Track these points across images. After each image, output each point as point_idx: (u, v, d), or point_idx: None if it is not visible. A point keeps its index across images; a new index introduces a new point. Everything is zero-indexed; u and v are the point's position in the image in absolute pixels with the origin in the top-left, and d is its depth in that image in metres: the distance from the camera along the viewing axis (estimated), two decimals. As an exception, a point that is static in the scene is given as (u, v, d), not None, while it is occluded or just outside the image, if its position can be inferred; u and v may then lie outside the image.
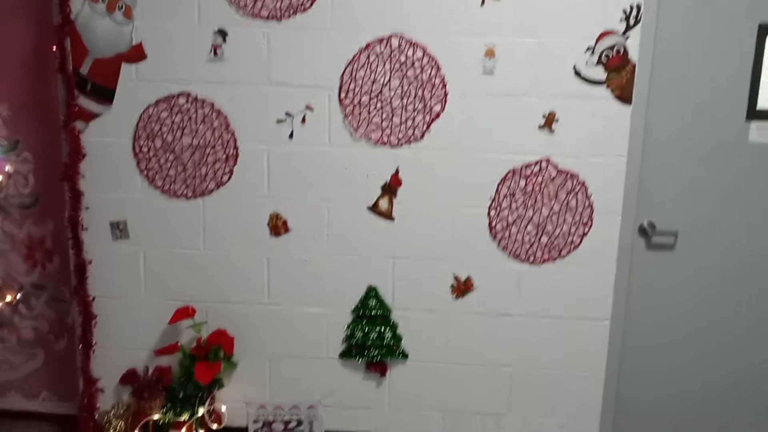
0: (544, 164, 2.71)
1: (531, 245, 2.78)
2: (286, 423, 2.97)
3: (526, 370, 2.88)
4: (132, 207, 2.83)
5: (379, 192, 2.77)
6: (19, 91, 2.90)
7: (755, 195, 2.80)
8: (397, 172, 2.74)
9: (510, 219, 2.76)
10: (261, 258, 2.84)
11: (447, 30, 2.65)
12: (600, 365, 2.85)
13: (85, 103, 2.76)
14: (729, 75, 2.73)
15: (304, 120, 2.73)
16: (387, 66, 2.69)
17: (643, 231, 2.83)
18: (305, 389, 2.94)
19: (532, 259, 2.78)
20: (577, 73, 2.65)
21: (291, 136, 2.74)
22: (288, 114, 2.73)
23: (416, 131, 2.72)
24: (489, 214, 2.75)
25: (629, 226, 2.77)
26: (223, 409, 2.92)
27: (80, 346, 2.88)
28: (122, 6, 2.71)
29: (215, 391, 2.89)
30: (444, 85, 2.69)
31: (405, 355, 2.88)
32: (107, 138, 2.77)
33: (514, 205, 2.74)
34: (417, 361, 2.89)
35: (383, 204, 2.79)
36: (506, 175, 2.72)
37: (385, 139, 2.73)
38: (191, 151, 2.78)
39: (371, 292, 2.84)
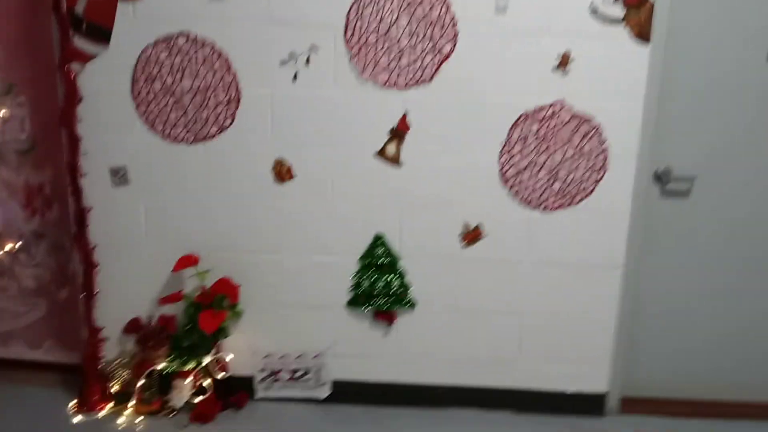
0: (557, 107, 2.63)
1: (543, 192, 2.72)
2: (293, 372, 2.96)
3: (537, 317, 2.86)
4: (132, 152, 2.76)
5: (386, 137, 2.69)
6: (12, 33, 2.82)
7: (776, 139, 2.75)
8: (404, 115, 2.67)
9: (521, 164, 2.70)
10: (265, 205, 2.78)
11: (458, -35, 2.57)
12: (612, 313, 2.83)
13: (81, 44, 2.67)
14: (750, 15, 2.64)
15: (308, 61, 2.64)
16: (395, 3, 2.58)
17: (658, 177, 2.77)
18: (312, 338, 2.93)
19: (543, 206, 2.73)
20: (594, 11, 2.55)
21: (295, 78, 2.65)
22: (292, 55, 2.65)
23: (425, 73, 2.63)
24: (500, 159, 2.69)
25: (644, 172, 2.71)
26: (229, 358, 2.92)
27: (82, 295, 2.87)
28: (117, -59, 2.62)
29: (220, 340, 2.89)
30: (454, 24, 2.59)
31: (413, 304, 2.86)
32: (104, 80, 2.69)
33: (526, 150, 2.68)
34: (425, 310, 2.87)
35: (390, 149, 2.72)
36: (518, 119, 2.65)
37: (393, 81, 2.64)
38: (192, 94, 2.70)
39: (378, 240, 2.79)
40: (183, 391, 2.80)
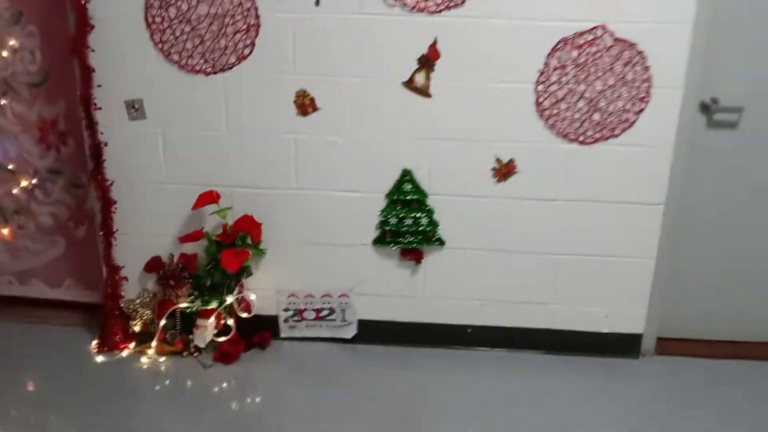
0: (599, 32, 2.46)
1: (581, 123, 2.57)
2: (318, 311, 2.91)
3: (572, 257, 2.76)
4: (148, 84, 2.65)
5: (415, 65, 2.54)
6: (18, -43, 2.70)
7: (834, 66, 2.57)
8: (435, 42, 2.51)
9: (559, 94, 2.54)
10: (288, 139, 2.67)
11: None
12: (651, 252, 2.72)
13: (90, -33, 2.55)
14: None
15: (332, -17, 2.51)
16: None
17: (704, 107, 2.61)
18: (337, 277, 2.85)
19: (582, 138, 2.59)
20: (642, -74, 2.38)
21: (317, 2, 2.51)
22: (314, -23, 2.51)
23: (457, -5, 2.49)
24: (536, 89, 2.54)
25: (690, 102, 2.55)
26: (252, 297, 2.87)
27: (101, 233, 2.81)
28: None
29: (243, 279, 2.83)
30: (489, -58, 2.43)
31: (442, 242, 2.76)
32: (116, 7, 2.55)
33: (564, 79, 2.52)
34: (454, 248, 2.78)
35: (419, 79, 2.58)
36: (557, 45, 2.48)
37: (423, 4, 2.48)
38: (209, 21, 2.56)
39: (406, 176, 2.68)
40: (206, 330, 2.76)
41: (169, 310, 2.79)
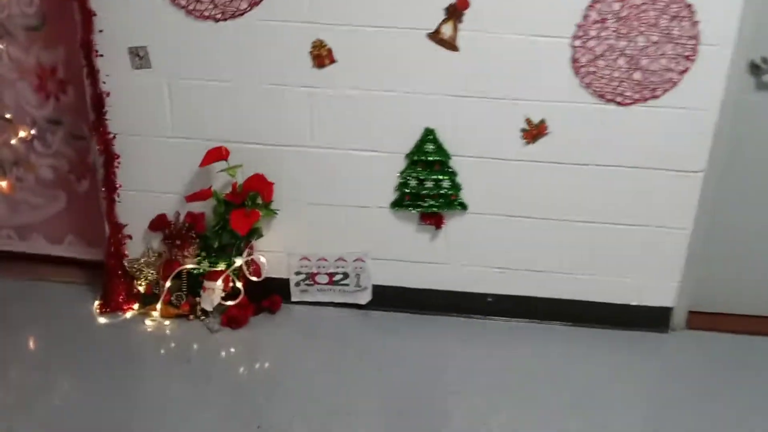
0: (645, -17, 2.29)
1: (620, 83, 2.39)
2: (331, 275, 2.78)
3: (602, 225, 2.61)
4: (153, 30, 2.47)
5: (441, 15, 2.36)
6: None
7: None
8: (464, -10, 2.36)
9: (598, 50, 2.36)
10: (303, 93, 2.50)
11: None
12: (686, 222, 2.57)
13: None
14: None
15: None
16: None
17: (754, 67, 2.43)
18: (352, 241, 2.72)
19: (620, 99, 2.41)
20: None
21: (337, -56, 2.33)
22: None
23: (490, -61, 2.29)
24: (573, 44, 2.35)
25: (739, 61, 2.37)
26: (263, 260, 2.75)
27: (103, 189, 2.67)
28: None
29: (253, 241, 2.71)
30: None
31: (464, 207, 2.62)
32: (119, -55, 2.39)
33: (604, 34, 2.33)
34: (477, 213, 2.63)
35: (446, 30, 2.39)
36: (597, -4, 2.33)
37: (452, -52, 2.31)
38: (218, -38, 2.40)
39: (429, 135, 2.52)
40: (213, 293, 2.64)
41: (175, 271, 2.68)
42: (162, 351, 2.57)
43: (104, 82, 2.53)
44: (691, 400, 2.42)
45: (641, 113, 2.43)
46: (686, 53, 2.33)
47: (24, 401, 2.28)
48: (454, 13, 2.35)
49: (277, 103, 2.53)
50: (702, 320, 2.79)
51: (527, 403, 2.36)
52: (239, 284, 2.69)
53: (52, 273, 2.97)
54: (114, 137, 2.61)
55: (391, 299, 2.80)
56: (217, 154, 2.55)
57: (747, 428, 2.31)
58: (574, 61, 2.37)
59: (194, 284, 2.70)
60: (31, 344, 2.59)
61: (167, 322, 2.69)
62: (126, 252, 2.76)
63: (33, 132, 2.82)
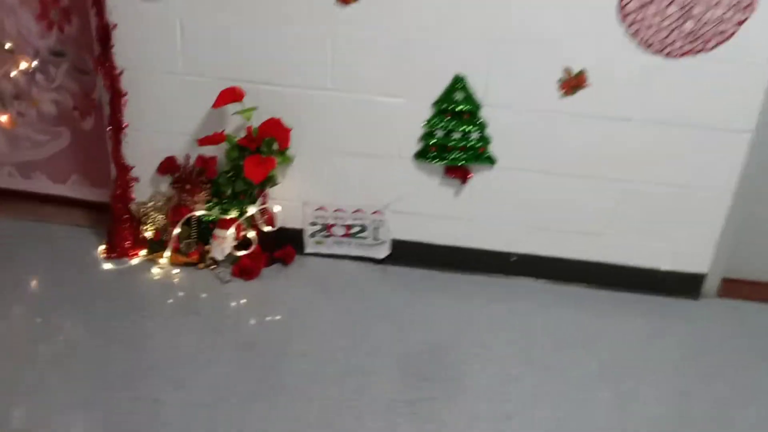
0: None
1: (670, 33, 2.22)
2: (348, 227, 2.67)
3: (639, 185, 2.47)
4: (164, -43, 2.32)
5: (479, -49, 2.20)
6: None
7: None
8: (505, -76, 2.16)
9: (648, -4, 2.21)
10: (324, 31, 2.33)
11: None
12: (729, 185, 2.43)
13: None
14: None
15: None
16: None
17: (816, 21, 2.28)
18: (371, 192, 2.59)
19: (668, 50, 2.24)
20: None
21: None
22: None
23: None
24: (621, -12, 2.21)
25: (800, 13, 2.22)
26: (277, 209, 2.63)
27: (109, 128, 2.54)
28: None
29: (267, 189, 2.59)
30: None
31: (492, 161, 2.48)
32: None
33: (656, -22, 2.18)
34: (506, 168, 2.49)
35: (483, -32, 2.23)
36: (652, -64, 2.13)
37: None
38: None
39: (458, 83, 2.36)
40: (224, 242, 2.53)
41: (185, 217, 2.56)
42: (170, 300, 2.46)
43: (111, 13, 2.36)
44: (722, 370, 2.32)
45: (689, 66, 2.26)
46: (744, 3, 2.15)
47: (24, 349, 2.19)
48: (493, -51, 2.19)
49: (296, 42, 2.37)
50: (735, 288, 2.68)
51: (551, 371, 2.26)
52: (251, 233, 2.58)
53: (55, 214, 2.85)
54: (121, 73, 2.45)
55: (410, 255, 2.68)
56: (232, 95, 2.40)
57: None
58: (622, 7, 2.19)
59: (204, 231, 2.59)
60: (33, 288, 2.49)
61: (175, 271, 2.59)
62: (133, 195, 2.64)
63: (35, 64, 2.66)
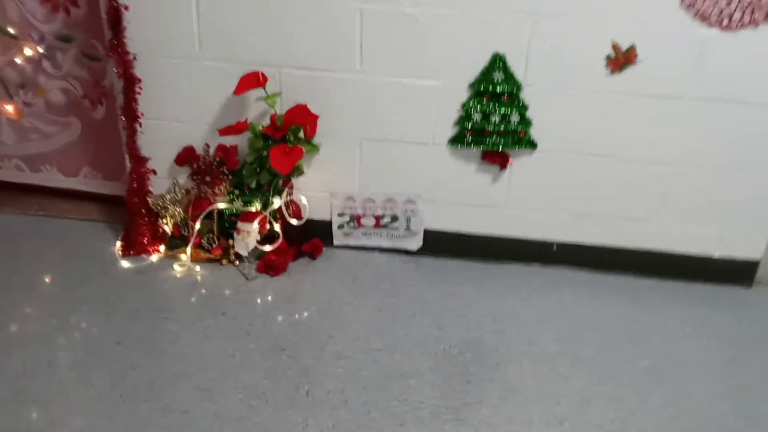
0: None
1: (728, 3, 2.06)
2: (378, 218, 2.53)
3: (689, 168, 2.33)
4: (177, -68, 2.16)
5: None
6: None
7: None
8: None
9: (707, -36, 2.05)
10: (353, 9, 2.18)
11: None
12: (788, 167, 2.32)
13: None
14: None
15: None
16: None
17: None
18: (403, 181, 2.46)
19: (726, 22, 2.08)
20: None
21: None
22: None
23: None
24: (677, -45, 2.04)
25: None
26: (304, 200, 2.50)
27: (123, 117, 2.39)
28: None
29: (293, 179, 2.46)
30: None
31: (533, 145, 2.33)
32: None
33: (716, -57, 2.02)
34: (547, 151, 2.35)
35: (525, -63, 2.07)
36: None
37: None
38: None
39: (497, 62, 2.20)
40: (248, 236, 2.40)
41: (206, 211, 2.44)
42: (193, 299, 2.33)
43: (122, -6, 2.24)
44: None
45: (749, 39, 2.10)
46: (811, -32, 2.01)
47: (40, 355, 2.07)
48: None
49: (322, 22, 2.21)
50: (791, 275, 2.57)
51: (600, 369, 2.13)
52: (277, 227, 2.45)
53: (68, 209, 2.73)
54: (134, 58, 2.31)
55: (444, 245, 2.56)
56: (254, 81, 2.25)
57: None
58: (677, -24, 2.06)
59: (227, 225, 2.46)
60: (47, 288, 2.36)
61: (198, 268, 2.46)
62: (150, 188, 2.51)
63: (40, 50, 2.52)
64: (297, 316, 2.30)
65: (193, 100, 2.38)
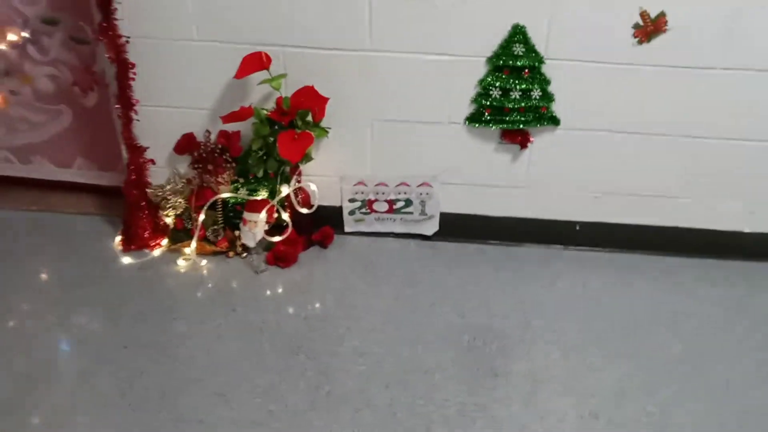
0: None
1: (765, -36, 1.96)
2: (391, 203, 2.43)
3: (718, 141, 2.22)
4: None
5: None
6: None
7: None
8: None
9: None
10: (360, -18, 2.07)
11: None
12: (824, 137, 2.21)
13: None
14: None
15: None
16: None
17: None
18: (417, 162, 2.34)
19: (762, -15, 1.99)
20: None
21: None
22: None
23: None
24: None
25: None
26: (313, 187, 2.39)
27: (117, 106, 2.25)
28: None
29: (301, 166, 2.34)
30: None
31: (556, 121, 2.21)
32: None
33: None
34: (570, 128, 2.23)
35: None
36: None
37: None
38: None
39: (517, 34, 2.06)
40: (256, 227, 2.29)
41: (209, 201, 2.33)
42: (200, 295, 2.23)
43: (110, -29, 2.08)
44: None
45: (787, 3, 2.00)
46: None
47: (42, 362, 1.96)
48: None
49: (328, -3, 2.11)
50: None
51: (632, 357, 2.04)
52: (285, 216, 2.34)
53: (62, 202, 2.61)
54: (127, 41, 2.16)
55: (461, 229, 2.46)
56: (257, 62, 2.11)
57: None
58: (711, -64, 1.92)
59: (232, 216, 2.34)
60: (45, 288, 2.25)
61: (203, 262, 2.35)
62: (149, 179, 2.39)
63: (25, 35, 2.36)
64: (311, 309, 2.20)
65: (191, 84, 2.24)
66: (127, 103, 2.24)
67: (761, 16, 2.00)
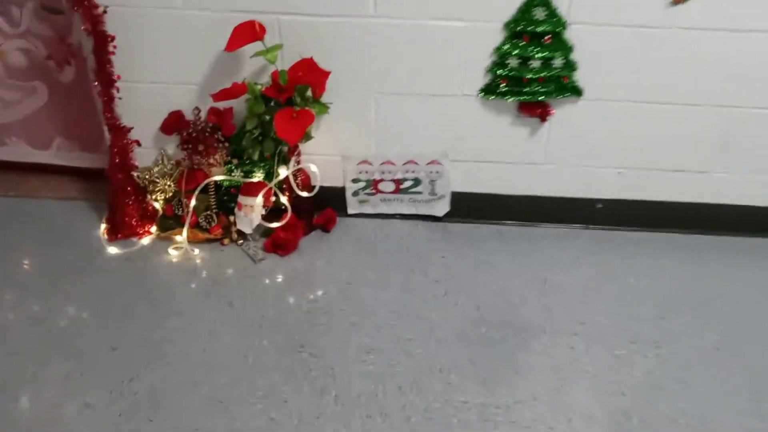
0: None
1: None
2: (398, 182, 2.27)
3: (752, 111, 2.06)
4: None
5: None
6: None
7: None
8: None
9: None
10: (363, -59, 1.87)
11: None
12: None
13: None
14: None
15: None
16: None
17: None
18: (426, 138, 2.18)
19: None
20: None
21: None
22: None
23: None
24: None
25: None
26: (314, 168, 2.22)
27: (96, 83, 2.07)
28: None
29: (301, 145, 2.17)
30: None
31: (578, 92, 2.04)
32: None
33: None
34: (595, 99, 2.06)
35: None
36: None
37: None
38: None
39: (537, -3, 1.93)
40: (252, 212, 2.14)
41: (201, 185, 2.16)
42: (192, 286, 2.08)
43: (82, -68, 1.89)
44: None
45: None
46: None
47: (26, 366, 1.81)
48: None
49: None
50: None
51: (663, 348, 1.89)
52: (284, 199, 2.17)
53: (41, 186, 2.44)
54: (105, 11, 1.97)
55: (475, 209, 2.31)
56: (249, 33, 1.92)
57: None
58: None
59: (226, 200, 2.19)
60: (25, 284, 2.09)
61: (196, 250, 2.19)
62: (135, 161, 2.22)
63: (-8, 5, 2.20)
64: (314, 301, 2.04)
65: (177, 57, 2.06)
66: (107, 80, 2.05)
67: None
